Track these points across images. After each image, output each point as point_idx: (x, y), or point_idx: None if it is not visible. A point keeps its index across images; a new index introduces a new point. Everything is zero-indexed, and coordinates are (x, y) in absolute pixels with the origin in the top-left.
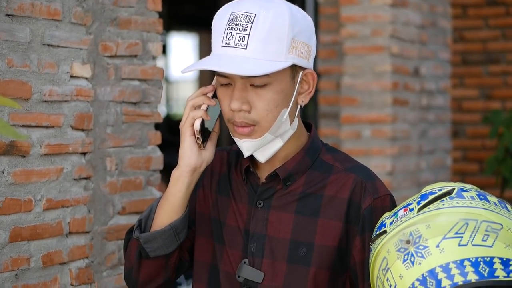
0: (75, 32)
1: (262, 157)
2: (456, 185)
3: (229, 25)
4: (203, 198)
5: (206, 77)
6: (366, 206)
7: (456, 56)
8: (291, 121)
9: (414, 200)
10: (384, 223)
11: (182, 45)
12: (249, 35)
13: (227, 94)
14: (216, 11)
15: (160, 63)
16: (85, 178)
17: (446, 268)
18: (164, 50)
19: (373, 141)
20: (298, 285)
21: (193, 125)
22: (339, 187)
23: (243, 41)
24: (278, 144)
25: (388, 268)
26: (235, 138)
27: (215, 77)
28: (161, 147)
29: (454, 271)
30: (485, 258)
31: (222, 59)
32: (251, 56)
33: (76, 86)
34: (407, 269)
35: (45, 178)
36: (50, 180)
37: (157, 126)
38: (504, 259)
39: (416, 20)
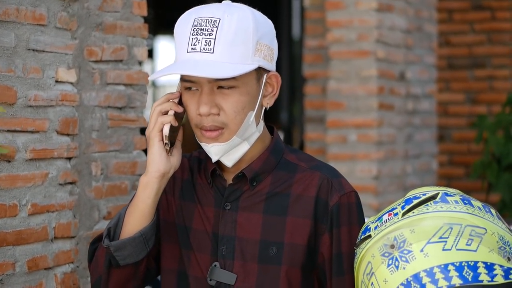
0: (60, 37)
1: (229, 161)
2: (441, 190)
3: (193, 30)
4: (167, 205)
5: None
6: (334, 203)
7: (442, 61)
8: (257, 123)
9: (399, 205)
10: (368, 227)
11: (169, 49)
12: (215, 39)
13: (193, 99)
14: None
15: (147, 67)
16: (71, 183)
17: (430, 273)
18: (151, 54)
19: (359, 145)
20: (271, 285)
21: (161, 130)
22: (306, 185)
23: (209, 46)
24: (244, 147)
25: (373, 273)
26: (202, 144)
27: (180, 82)
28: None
29: (439, 275)
30: (469, 263)
31: (190, 63)
32: (218, 60)
33: (61, 91)
34: (391, 274)
35: (30, 183)
36: (35, 185)
37: (143, 131)
38: (488, 264)
39: (402, 24)
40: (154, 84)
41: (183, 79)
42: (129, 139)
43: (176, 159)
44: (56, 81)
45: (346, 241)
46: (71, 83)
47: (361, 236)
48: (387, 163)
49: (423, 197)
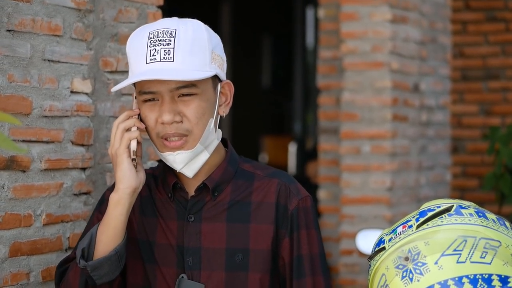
0: (76, 48)
1: (190, 171)
2: (455, 202)
3: (150, 42)
4: (128, 221)
5: None
6: (293, 207)
7: (456, 72)
8: (215, 131)
9: (413, 217)
10: (383, 239)
11: None
12: (174, 48)
13: (153, 110)
14: (216, 25)
15: None
16: (85, 193)
17: (444, 285)
18: None
19: (372, 156)
20: None
21: (128, 146)
22: (265, 193)
23: (169, 55)
24: (204, 156)
25: (387, 285)
26: (165, 154)
27: (135, 99)
28: None
29: None
30: (484, 275)
31: (153, 71)
32: (179, 67)
33: (76, 101)
34: (405, 286)
35: (45, 193)
36: (50, 195)
37: None
38: (503, 276)
39: (416, 36)
40: None
41: (142, 91)
42: (144, 149)
43: (142, 174)
44: (71, 92)
45: (305, 244)
46: (86, 93)
47: (375, 248)
48: (400, 175)
49: (438, 210)
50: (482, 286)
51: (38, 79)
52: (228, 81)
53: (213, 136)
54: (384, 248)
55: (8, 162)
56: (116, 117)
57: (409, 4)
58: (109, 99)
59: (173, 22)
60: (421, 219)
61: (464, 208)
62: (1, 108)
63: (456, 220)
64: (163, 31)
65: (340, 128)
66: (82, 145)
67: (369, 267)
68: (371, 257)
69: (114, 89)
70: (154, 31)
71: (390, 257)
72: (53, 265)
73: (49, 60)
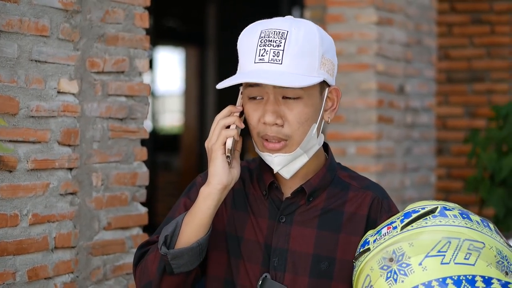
0: (63, 48)
1: (287, 173)
2: (439, 204)
3: (261, 41)
4: (217, 213)
5: (191, 91)
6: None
7: (441, 74)
8: (317, 136)
9: (398, 218)
10: (367, 240)
11: (168, 60)
12: (283, 50)
13: (258, 108)
14: (203, 25)
15: (146, 78)
16: (71, 194)
17: (428, 286)
18: (151, 65)
19: (358, 158)
20: None
21: (225, 143)
22: (358, 204)
23: (277, 57)
24: (303, 159)
25: (371, 286)
26: (263, 153)
27: (242, 93)
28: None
29: None
30: (467, 276)
31: (259, 73)
32: (286, 71)
33: (63, 102)
34: (390, 287)
35: (32, 193)
36: (36, 195)
37: (143, 142)
38: (486, 278)
39: (402, 38)
40: (153, 94)
41: (249, 86)
42: (130, 150)
43: (236, 171)
44: (58, 92)
45: None
46: (73, 94)
47: (360, 249)
48: (385, 176)
49: (422, 211)
50: (466, 287)
51: (25, 79)
52: (336, 87)
53: (315, 141)
54: (368, 249)
55: None
56: (103, 118)
57: (394, 7)
58: (95, 99)
59: (286, 23)
60: (406, 221)
61: (449, 209)
62: None
63: (440, 221)
64: (274, 31)
65: (325, 130)
66: (69, 145)
67: (354, 268)
68: (355, 258)
69: (220, 86)
70: (266, 31)
71: (374, 258)
72: (39, 265)
73: (36, 61)
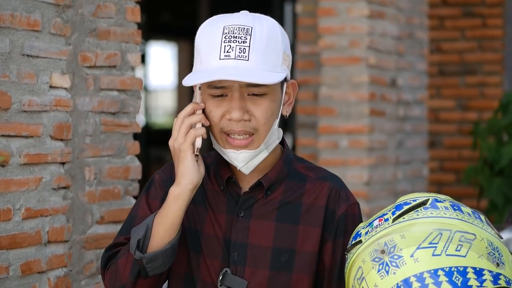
0: (55, 43)
1: (247, 169)
2: (431, 196)
3: (225, 38)
4: None
5: (186, 87)
6: (341, 212)
7: (433, 67)
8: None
9: (389, 211)
10: (359, 233)
11: (161, 54)
12: (249, 47)
13: (221, 104)
14: (195, 20)
15: (139, 72)
16: (64, 188)
17: (420, 278)
18: (143, 59)
19: (350, 151)
20: None
21: (193, 143)
22: (316, 195)
23: (244, 53)
24: (263, 155)
25: (363, 278)
26: (227, 150)
27: (200, 90)
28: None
29: (428, 280)
30: (459, 268)
31: (227, 70)
32: (254, 67)
33: (55, 96)
34: (382, 279)
35: (24, 187)
36: (29, 190)
37: (136, 136)
38: (478, 269)
39: (393, 31)
40: (146, 89)
41: (213, 86)
42: (122, 144)
43: (202, 168)
44: (50, 87)
45: None
46: (65, 88)
47: (352, 241)
48: (378, 169)
49: (414, 203)
50: (457, 278)
51: (17, 74)
52: (294, 81)
53: (275, 136)
54: (360, 241)
55: None
56: (95, 112)
57: (386, 0)
58: (87, 94)
59: (248, 19)
60: (397, 213)
61: (440, 201)
62: None
63: (431, 213)
64: (239, 27)
65: (318, 123)
66: (61, 139)
67: (346, 260)
68: (347, 250)
69: (186, 83)
70: (230, 27)
71: (366, 250)
72: (32, 259)
73: (28, 55)
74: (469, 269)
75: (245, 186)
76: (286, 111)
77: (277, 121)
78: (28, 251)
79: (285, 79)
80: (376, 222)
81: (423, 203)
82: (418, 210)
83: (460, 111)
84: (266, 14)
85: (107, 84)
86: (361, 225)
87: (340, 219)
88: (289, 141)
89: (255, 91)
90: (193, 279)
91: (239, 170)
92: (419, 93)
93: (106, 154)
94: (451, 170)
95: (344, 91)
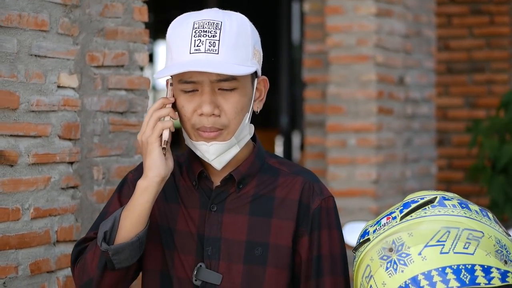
0: (62, 43)
1: (219, 164)
2: (438, 194)
3: (195, 32)
4: None
5: None
6: (316, 206)
7: (441, 65)
8: (248, 126)
9: (397, 209)
10: (367, 231)
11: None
12: (219, 40)
13: (192, 99)
14: None
15: (147, 72)
16: (73, 187)
17: (428, 276)
18: (151, 59)
19: (358, 149)
20: (256, 285)
21: (161, 135)
22: (289, 189)
23: (214, 47)
24: (235, 150)
25: (371, 276)
26: (198, 143)
27: (172, 86)
28: None
29: (436, 278)
30: (467, 266)
31: (198, 63)
32: (223, 60)
33: (63, 96)
34: (390, 277)
35: (33, 187)
36: (37, 189)
37: None
38: (485, 267)
39: (401, 29)
40: (154, 88)
41: (183, 81)
42: (131, 143)
43: (171, 161)
44: (58, 86)
45: (327, 244)
46: (73, 88)
47: (360, 239)
48: (386, 167)
49: (421, 201)
50: (465, 276)
51: (25, 74)
52: (264, 77)
53: (247, 131)
54: (368, 240)
55: None
56: (103, 112)
57: None
58: (95, 93)
59: (218, 14)
60: (405, 211)
61: (448, 199)
62: None
63: (439, 211)
64: (208, 22)
65: (326, 122)
66: (69, 139)
67: (354, 258)
68: (356, 249)
69: (157, 76)
70: (200, 21)
71: (374, 248)
72: (41, 259)
73: (35, 55)
74: (477, 267)
75: (217, 180)
76: (257, 107)
77: (248, 116)
78: (37, 250)
79: (256, 75)
80: (384, 220)
81: (431, 201)
82: (425, 208)
83: (468, 109)
84: (274, 12)
85: (115, 83)
86: (369, 223)
87: (315, 213)
88: (297, 140)
89: (225, 86)
90: (169, 276)
91: (211, 165)
92: (427, 91)
93: (115, 153)
94: (459, 168)
95: (352, 89)
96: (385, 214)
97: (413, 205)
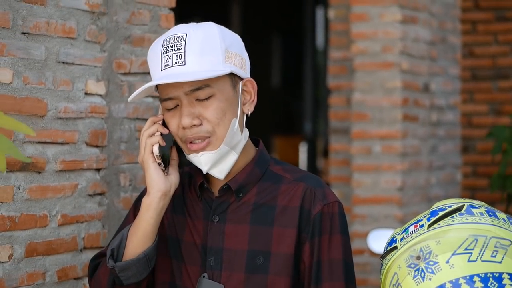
0: (90, 50)
1: (219, 173)
2: (466, 202)
3: (164, 50)
4: None
5: None
6: (316, 212)
7: (466, 72)
8: (241, 131)
9: (425, 217)
10: (395, 239)
11: None
12: (184, 51)
13: (175, 114)
14: (227, 25)
15: None
16: (100, 194)
17: (456, 284)
18: None
19: (383, 156)
20: None
21: (152, 152)
22: (291, 196)
23: (180, 59)
24: (233, 157)
25: (399, 284)
26: (191, 156)
27: (160, 105)
28: None
29: (464, 286)
30: (494, 274)
31: (166, 77)
32: (190, 70)
33: (90, 103)
34: (417, 285)
35: (60, 194)
36: (65, 196)
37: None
38: None
39: (426, 36)
40: None
41: (162, 99)
42: None
43: (174, 177)
44: (86, 93)
45: (326, 250)
46: (100, 95)
47: (387, 247)
48: (411, 175)
49: (449, 209)
50: (493, 284)
51: (53, 81)
52: (250, 78)
53: (239, 137)
54: (396, 248)
55: (23, 163)
56: (130, 119)
57: (418, 5)
58: (122, 100)
59: (184, 27)
60: (433, 219)
61: (475, 207)
62: (17, 110)
63: (467, 219)
64: (174, 37)
65: (351, 128)
66: (97, 146)
67: (381, 266)
68: (383, 256)
69: (130, 98)
70: (167, 38)
71: (402, 256)
72: (69, 265)
73: (63, 62)
74: (504, 275)
75: (217, 191)
76: (248, 109)
77: (236, 120)
78: (64, 257)
79: (240, 78)
80: (411, 228)
81: (458, 209)
82: (453, 216)
83: (493, 116)
84: (298, 19)
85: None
86: (396, 231)
87: (316, 218)
88: (321, 147)
89: (200, 95)
90: (176, 287)
91: (212, 176)
92: (452, 98)
93: None
94: (484, 175)
95: (377, 97)
96: (413, 222)
97: (441, 213)
